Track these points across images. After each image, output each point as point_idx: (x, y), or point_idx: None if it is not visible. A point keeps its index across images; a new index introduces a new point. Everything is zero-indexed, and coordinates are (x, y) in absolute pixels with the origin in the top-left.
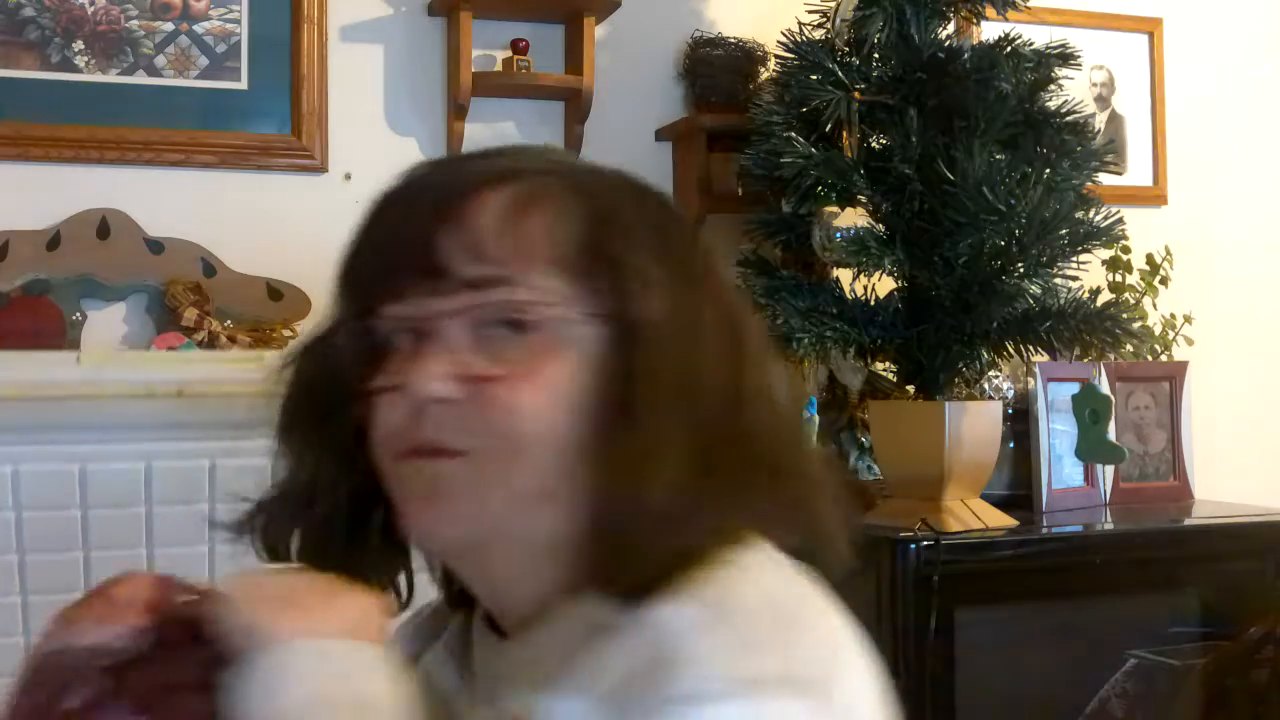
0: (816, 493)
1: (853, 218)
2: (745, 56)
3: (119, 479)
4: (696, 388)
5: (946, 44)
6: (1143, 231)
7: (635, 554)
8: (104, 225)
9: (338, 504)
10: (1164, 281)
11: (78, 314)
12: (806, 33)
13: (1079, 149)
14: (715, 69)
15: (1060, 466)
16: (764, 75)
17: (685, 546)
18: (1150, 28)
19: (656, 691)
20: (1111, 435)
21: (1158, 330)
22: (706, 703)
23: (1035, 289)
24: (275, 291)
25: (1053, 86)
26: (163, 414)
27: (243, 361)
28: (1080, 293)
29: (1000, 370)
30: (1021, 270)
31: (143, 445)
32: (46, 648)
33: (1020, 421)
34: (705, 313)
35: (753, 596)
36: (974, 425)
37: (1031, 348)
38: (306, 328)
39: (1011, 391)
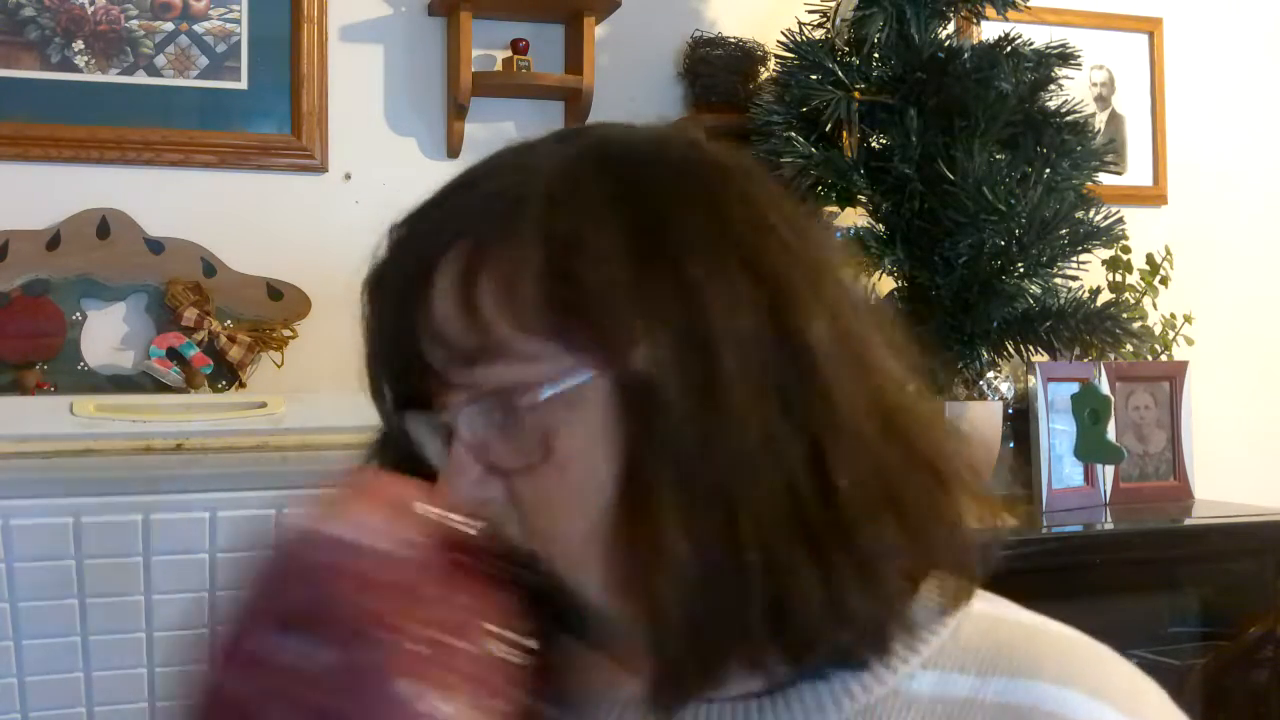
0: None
1: (853, 218)
2: (745, 56)
3: (115, 530)
4: (724, 440)
5: (946, 44)
6: (1143, 231)
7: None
8: (104, 225)
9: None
10: (1164, 281)
11: (78, 314)
12: (806, 32)
13: (1079, 149)
14: (715, 69)
15: (1060, 466)
16: (764, 75)
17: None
18: (1150, 28)
19: None
20: (1111, 435)
21: (1158, 330)
22: None
23: (1035, 289)
24: (275, 291)
25: (1053, 86)
26: (161, 468)
27: (243, 411)
28: (1080, 293)
29: (1000, 370)
30: (1021, 270)
31: (140, 498)
32: (321, 536)
33: (1020, 421)
34: (741, 320)
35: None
36: (974, 425)
37: (1031, 348)
38: (307, 327)
39: (1011, 391)
